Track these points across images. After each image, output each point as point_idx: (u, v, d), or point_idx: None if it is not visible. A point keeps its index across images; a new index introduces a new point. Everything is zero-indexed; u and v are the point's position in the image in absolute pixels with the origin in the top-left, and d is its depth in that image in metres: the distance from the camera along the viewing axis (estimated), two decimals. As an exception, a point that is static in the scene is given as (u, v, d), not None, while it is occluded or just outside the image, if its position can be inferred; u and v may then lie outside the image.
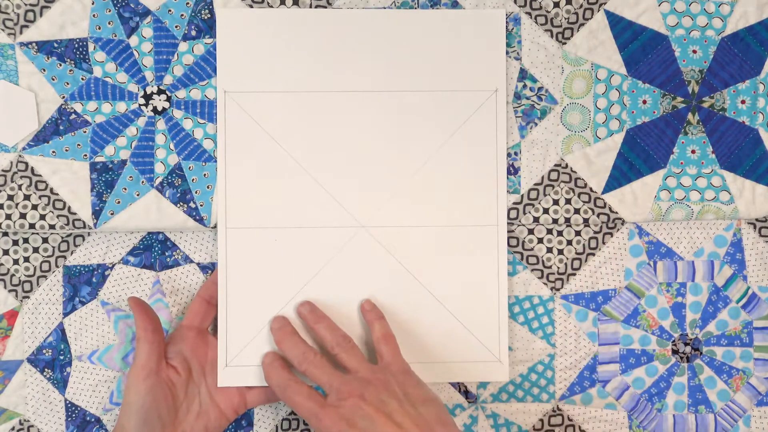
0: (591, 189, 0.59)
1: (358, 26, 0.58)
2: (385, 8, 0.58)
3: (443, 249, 0.58)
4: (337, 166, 0.58)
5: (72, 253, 0.59)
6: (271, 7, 0.58)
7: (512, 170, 0.59)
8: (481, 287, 0.58)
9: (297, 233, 0.57)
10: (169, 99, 0.58)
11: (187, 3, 0.57)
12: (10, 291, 0.59)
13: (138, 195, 0.58)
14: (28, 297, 0.59)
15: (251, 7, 0.57)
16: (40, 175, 0.57)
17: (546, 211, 0.59)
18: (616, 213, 0.59)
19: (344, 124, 0.58)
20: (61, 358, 0.59)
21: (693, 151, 0.59)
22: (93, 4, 0.57)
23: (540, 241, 0.60)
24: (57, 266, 0.59)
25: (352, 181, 0.58)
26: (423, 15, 0.58)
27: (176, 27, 0.57)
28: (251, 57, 0.57)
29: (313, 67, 0.58)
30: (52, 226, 0.57)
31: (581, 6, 0.58)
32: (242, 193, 0.57)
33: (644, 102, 0.59)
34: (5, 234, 0.59)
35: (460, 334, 0.58)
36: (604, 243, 0.60)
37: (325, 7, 0.58)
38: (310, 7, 0.58)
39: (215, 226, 0.58)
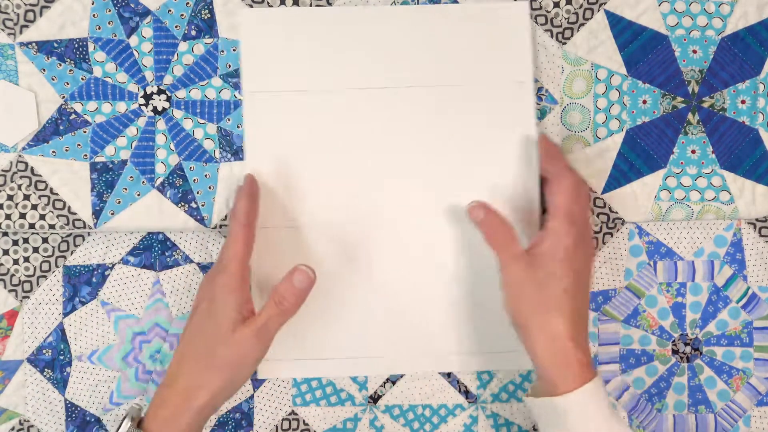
0: (591, 189, 0.59)
1: (382, 23, 0.57)
2: (408, 4, 0.57)
3: (473, 244, 0.58)
4: (361, 164, 0.57)
5: (72, 253, 0.59)
6: (296, 4, 0.57)
7: (512, 170, 0.59)
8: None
9: (323, 230, 0.57)
10: (169, 99, 0.58)
11: (187, 3, 0.57)
12: (10, 291, 0.59)
13: (138, 195, 0.58)
14: (28, 297, 0.59)
15: (251, 6, 0.57)
16: (40, 175, 0.57)
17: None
18: (616, 213, 0.59)
19: (368, 122, 0.57)
20: (61, 358, 0.59)
21: (693, 151, 0.59)
22: (93, 4, 0.57)
23: (540, 241, 0.60)
24: (57, 266, 0.59)
25: (378, 178, 0.57)
26: (447, 9, 0.57)
27: (176, 27, 0.57)
28: (275, 57, 0.57)
29: (339, 66, 0.57)
30: (52, 226, 0.57)
31: (581, 6, 0.58)
32: (267, 192, 0.57)
33: (644, 102, 0.59)
34: (5, 234, 0.59)
35: (492, 324, 0.58)
36: (604, 243, 0.60)
37: (347, 5, 0.57)
38: (328, 4, 0.57)
39: (216, 227, 0.58)
